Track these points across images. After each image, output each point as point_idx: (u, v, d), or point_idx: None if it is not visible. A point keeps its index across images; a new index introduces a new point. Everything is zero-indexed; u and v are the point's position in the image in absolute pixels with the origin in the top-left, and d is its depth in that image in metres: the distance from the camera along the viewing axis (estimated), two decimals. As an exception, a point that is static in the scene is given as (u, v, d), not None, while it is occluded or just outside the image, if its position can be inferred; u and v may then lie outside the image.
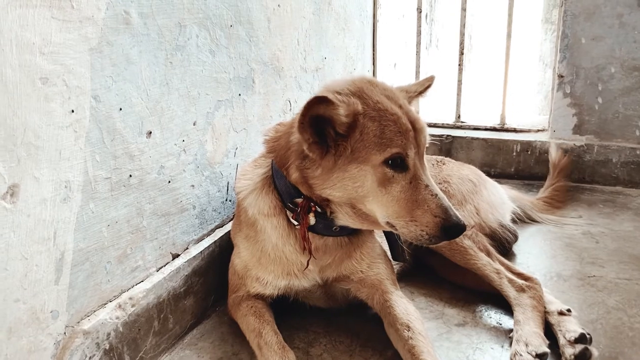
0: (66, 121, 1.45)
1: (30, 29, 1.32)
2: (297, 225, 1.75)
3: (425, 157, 2.52)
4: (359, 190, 1.62)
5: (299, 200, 1.72)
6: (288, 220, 1.78)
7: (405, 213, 1.59)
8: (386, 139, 1.58)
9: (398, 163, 1.59)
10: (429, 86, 1.92)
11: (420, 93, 1.91)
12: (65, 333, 1.53)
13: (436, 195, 1.60)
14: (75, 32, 1.45)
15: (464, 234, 2.10)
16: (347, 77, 1.80)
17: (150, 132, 1.79)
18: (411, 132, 1.62)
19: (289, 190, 1.73)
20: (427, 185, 1.61)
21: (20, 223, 1.35)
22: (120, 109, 1.64)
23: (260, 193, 1.83)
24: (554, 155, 3.18)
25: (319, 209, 1.71)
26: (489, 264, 2.07)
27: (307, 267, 1.79)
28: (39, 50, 1.35)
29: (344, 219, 1.72)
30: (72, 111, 1.47)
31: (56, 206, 1.45)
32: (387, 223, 1.64)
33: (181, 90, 1.92)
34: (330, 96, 1.54)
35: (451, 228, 1.57)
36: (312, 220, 1.72)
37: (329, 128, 1.59)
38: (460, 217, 1.60)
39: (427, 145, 1.72)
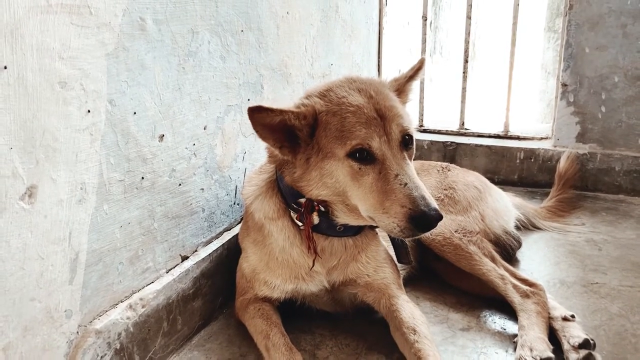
0: (83, 124, 1.48)
1: (51, 34, 1.36)
2: (302, 225, 1.78)
3: (430, 162, 2.55)
4: (337, 186, 1.65)
5: (302, 200, 1.76)
6: (293, 222, 1.82)
7: (378, 205, 1.58)
8: (346, 131, 1.60)
9: (365, 155, 1.59)
10: (419, 68, 1.92)
11: (412, 77, 1.91)
12: (78, 332, 1.55)
13: (405, 184, 1.55)
14: (93, 38, 1.48)
15: (469, 240, 2.13)
16: (330, 79, 1.87)
17: (163, 136, 1.82)
18: (376, 121, 1.62)
19: (292, 191, 1.77)
20: (396, 175, 1.57)
21: (37, 223, 1.38)
22: (135, 113, 1.68)
23: (265, 197, 1.87)
24: (562, 165, 3.19)
25: (322, 208, 1.75)
26: (494, 270, 2.09)
27: (312, 266, 1.81)
28: (58, 55, 1.38)
29: (342, 216, 1.75)
30: (89, 114, 1.50)
31: (72, 207, 1.48)
32: (369, 217, 1.64)
33: (193, 95, 1.95)
34: (265, 104, 1.59)
35: (419, 218, 1.50)
36: (315, 219, 1.76)
37: (297, 130, 1.65)
38: (433, 206, 1.52)
39: (406, 132, 1.66)
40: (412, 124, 1.76)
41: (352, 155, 1.60)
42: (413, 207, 1.51)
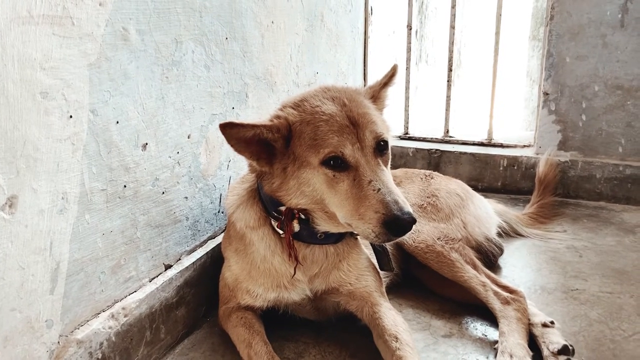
0: (64, 134, 1.49)
1: (32, 45, 1.36)
2: (282, 233, 1.79)
3: (413, 170, 2.56)
4: (314, 194, 1.68)
5: (283, 208, 1.77)
6: (274, 231, 1.83)
7: (354, 211, 1.59)
8: (319, 140, 1.63)
9: (338, 163, 1.61)
10: (392, 75, 1.95)
11: (386, 84, 1.93)
12: (59, 342, 1.55)
13: (378, 190, 1.56)
14: (75, 48, 1.49)
15: (451, 247, 2.16)
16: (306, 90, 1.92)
17: (146, 145, 1.83)
18: (348, 129, 1.64)
19: (272, 200, 1.79)
20: (370, 181, 1.58)
21: (18, 233, 1.38)
22: (117, 122, 1.68)
23: (246, 206, 1.89)
24: (540, 170, 3.24)
25: (302, 216, 1.76)
26: (476, 277, 2.12)
27: (294, 274, 1.83)
28: (39, 65, 1.39)
29: (322, 223, 1.77)
30: (71, 124, 1.50)
31: (53, 217, 1.48)
32: (346, 223, 1.66)
33: (176, 104, 1.96)
34: (236, 120, 1.63)
35: (392, 222, 1.51)
36: (296, 227, 1.77)
37: (272, 142, 1.68)
38: (406, 210, 1.53)
39: (380, 138, 1.67)
40: (388, 130, 1.77)
41: (326, 163, 1.62)
42: (386, 212, 1.53)
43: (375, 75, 4.21)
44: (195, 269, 2.10)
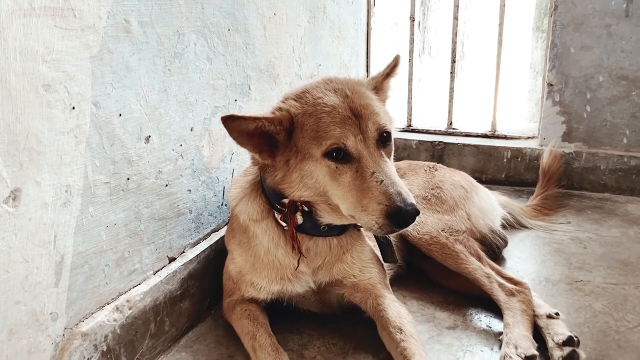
0: (67, 127, 1.48)
1: (34, 37, 1.35)
2: (286, 226, 1.79)
3: (417, 162, 2.55)
4: (317, 186, 1.67)
5: (286, 200, 1.77)
6: (278, 223, 1.83)
7: (357, 203, 1.59)
8: (321, 131, 1.62)
9: (341, 154, 1.61)
10: (395, 66, 1.94)
11: (388, 75, 1.92)
12: (64, 335, 1.55)
13: (381, 181, 1.55)
14: (77, 40, 1.48)
15: (455, 239, 2.15)
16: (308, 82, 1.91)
17: (149, 138, 1.82)
18: (351, 120, 1.63)
19: (275, 192, 1.78)
20: (373, 172, 1.58)
21: (22, 226, 1.38)
22: (120, 115, 1.68)
23: (249, 199, 1.88)
24: (544, 161, 3.23)
25: (305, 208, 1.76)
26: (480, 269, 2.11)
27: (297, 266, 1.82)
28: (41, 58, 1.38)
29: (325, 215, 1.76)
30: (73, 117, 1.50)
31: (57, 210, 1.48)
32: (349, 215, 1.65)
33: (179, 96, 1.96)
34: (238, 113, 1.62)
35: (395, 214, 1.51)
36: (299, 219, 1.77)
37: (274, 134, 1.67)
38: (410, 201, 1.52)
39: (383, 129, 1.66)
40: (391, 122, 1.76)
41: (328, 154, 1.61)
42: (389, 203, 1.52)
43: (378, 67, 4.18)
44: (199, 261, 2.10)
